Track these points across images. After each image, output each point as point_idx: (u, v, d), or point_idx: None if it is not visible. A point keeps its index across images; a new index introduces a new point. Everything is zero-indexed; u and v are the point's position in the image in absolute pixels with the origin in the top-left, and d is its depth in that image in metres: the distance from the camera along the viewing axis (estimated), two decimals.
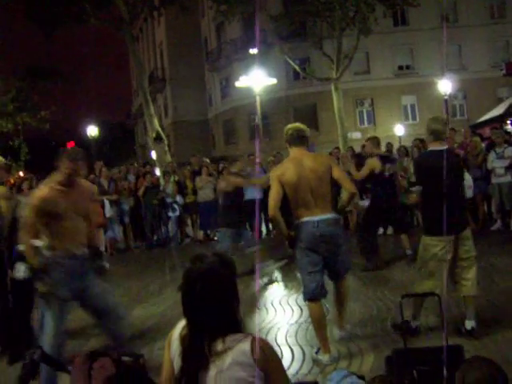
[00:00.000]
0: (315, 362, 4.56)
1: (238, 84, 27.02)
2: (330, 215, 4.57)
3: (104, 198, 12.10)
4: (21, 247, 4.81)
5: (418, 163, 5.12)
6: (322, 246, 4.54)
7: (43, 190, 4.36)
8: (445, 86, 27.60)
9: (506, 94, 32.92)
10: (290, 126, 4.88)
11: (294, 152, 4.73)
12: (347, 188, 4.71)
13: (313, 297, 4.63)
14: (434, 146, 4.81)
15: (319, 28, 24.62)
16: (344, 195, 4.85)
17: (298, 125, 4.88)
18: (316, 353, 4.71)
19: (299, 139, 4.74)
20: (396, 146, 15.80)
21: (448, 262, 4.67)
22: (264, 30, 28.07)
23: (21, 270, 4.91)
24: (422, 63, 36.04)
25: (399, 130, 34.24)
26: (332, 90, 24.13)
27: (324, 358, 4.59)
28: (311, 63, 32.17)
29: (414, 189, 4.93)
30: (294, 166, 4.60)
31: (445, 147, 4.83)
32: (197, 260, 2.23)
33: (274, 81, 25.47)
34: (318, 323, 4.65)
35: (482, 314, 4.98)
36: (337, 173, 4.65)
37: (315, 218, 4.51)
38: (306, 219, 4.53)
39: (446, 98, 27.63)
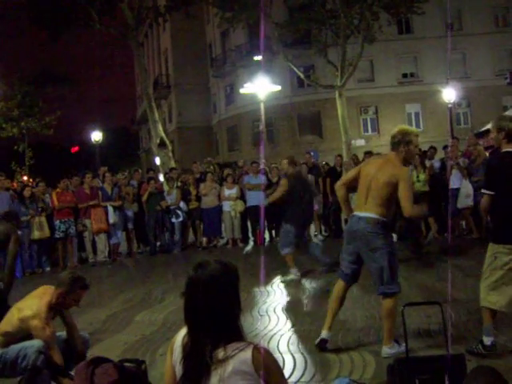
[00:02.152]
0: (317, 369, 4.56)
1: (242, 91, 27.14)
2: (372, 214, 4.62)
3: (107, 204, 12.12)
4: None
5: (492, 166, 4.71)
6: (357, 241, 4.75)
7: None
8: (449, 94, 27.63)
9: (511, 103, 32.91)
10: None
11: (385, 154, 5.09)
12: (404, 209, 4.55)
13: (339, 275, 5.05)
14: (509, 148, 4.48)
15: (324, 35, 24.71)
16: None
17: (395, 129, 4.88)
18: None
19: (391, 145, 4.81)
20: None
21: None
22: (269, 38, 28.19)
23: None
24: (426, 71, 36.08)
25: None
26: (336, 98, 24.18)
27: (322, 333, 4.95)
28: (315, 70, 32.27)
29: (486, 192, 4.47)
30: (370, 163, 4.98)
31: None
32: (199, 267, 2.24)
33: (278, 88, 25.56)
34: (333, 298, 5.04)
35: (482, 321, 4.94)
36: (401, 191, 4.51)
37: (361, 214, 4.72)
38: (355, 213, 4.83)
39: (450, 106, 27.66)
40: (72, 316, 4.49)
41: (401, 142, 4.66)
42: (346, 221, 5.03)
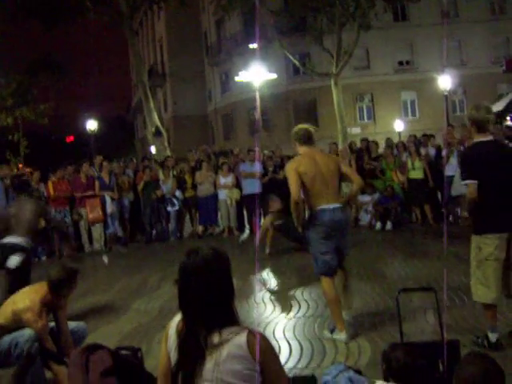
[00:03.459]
0: (313, 356, 4.58)
1: (237, 79, 26.99)
2: (340, 204, 4.96)
3: (105, 193, 12.09)
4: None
5: (466, 156, 4.67)
6: (336, 230, 4.89)
7: None
8: (445, 81, 27.54)
9: (506, 90, 32.85)
10: (299, 126, 5.26)
11: (305, 150, 5.11)
12: (356, 181, 5.11)
13: (324, 272, 4.97)
14: (479, 138, 4.44)
15: (319, 23, 24.53)
16: (353, 187, 5.16)
17: (307, 126, 5.25)
18: (332, 332, 4.92)
19: (309, 139, 5.13)
20: (395, 141, 15.81)
21: (501, 261, 4.35)
22: (264, 25, 28.03)
23: (14, 260, 5.60)
24: (421, 59, 35.98)
25: (399, 125, 34.18)
26: (332, 86, 24.10)
27: (341, 336, 4.83)
28: (311, 58, 32.09)
29: (468, 182, 4.35)
30: (308, 160, 5.00)
31: (491, 138, 4.46)
32: (192, 253, 2.25)
33: (273, 76, 25.44)
34: (330, 298, 4.95)
35: (476, 308, 4.96)
36: (344, 168, 5.16)
37: (331, 206, 4.88)
38: (323, 207, 4.88)
39: (445, 93, 27.59)
40: (66, 320, 4.47)
41: (314, 138, 5.18)
42: None
